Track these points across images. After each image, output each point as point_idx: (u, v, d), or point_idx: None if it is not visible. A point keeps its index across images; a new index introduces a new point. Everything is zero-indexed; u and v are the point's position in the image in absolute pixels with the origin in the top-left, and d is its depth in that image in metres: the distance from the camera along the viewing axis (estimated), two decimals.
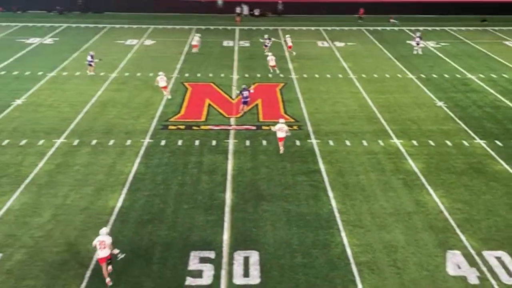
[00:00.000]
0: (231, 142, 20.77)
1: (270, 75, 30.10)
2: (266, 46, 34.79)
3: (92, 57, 29.02)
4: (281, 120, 19.88)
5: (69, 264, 13.05)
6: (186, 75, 29.93)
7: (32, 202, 15.90)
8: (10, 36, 38.57)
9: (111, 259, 12.31)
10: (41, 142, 20.21)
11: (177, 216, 15.43)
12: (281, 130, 19.39)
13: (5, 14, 47.14)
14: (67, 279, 12.50)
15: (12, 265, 12.91)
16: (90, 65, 29.08)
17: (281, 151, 19.68)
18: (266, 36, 36.23)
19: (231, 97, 26.25)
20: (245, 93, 23.56)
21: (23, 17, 45.88)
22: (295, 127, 22.40)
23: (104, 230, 12.57)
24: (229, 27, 43.91)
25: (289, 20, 47.60)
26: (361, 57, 35.00)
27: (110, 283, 12.22)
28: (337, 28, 44.60)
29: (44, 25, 42.74)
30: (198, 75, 30.03)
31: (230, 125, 22.58)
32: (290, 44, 34.69)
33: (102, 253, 12.14)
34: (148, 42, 38.14)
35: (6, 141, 20.15)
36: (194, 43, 35.14)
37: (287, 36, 35.86)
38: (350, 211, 15.90)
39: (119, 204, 15.95)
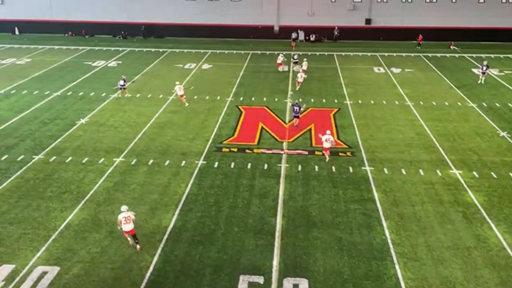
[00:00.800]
0: (283, 167, 20.75)
1: (291, 93, 30.14)
2: (295, 63, 36.97)
3: (124, 81, 30.34)
4: (328, 132, 21.24)
5: (122, 281, 13.40)
6: (241, 98, 30.42)
7: (90, 218, 16.54)
8: (77, 59, 40.97)
9: (136, 236, 14.71)
10: (101, 160, 21.10)
11: (228, 238, 15.50)
12: (327, 140, 20.91)
13: (75, 38, 50.29)
14: None
15: (69, 279, 13.42)
16: (123, 88, 30.35)
17: (327, 159, 21.07)
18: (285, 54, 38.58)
19: (284, 122, 26.34)
20: (296, 108, 25.04)
21: (90, 41, 48.71)
22: (348, 154, 22.09)
23: (125, 207, 14.85)
24: (284, 52, 44.35)
25: (345, 46, 47.51)
26: (419, 83, 34.19)
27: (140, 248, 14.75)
28: (394, 54, 43.95)
29: (109, 49, 45.13)
30: (253, 99, 30.45)
31: (283, 149, 22.61)
32: (304, 68, 35.41)
33: (128, 227, 14.53)
34: (206, 66, 39.25)
35: (69, 158, 21.21)
36: (278, 61, 36.80)
37: (304, 60, 37.22)
38: (405, 242, 15.33)
39: (172, 223, 16.27)
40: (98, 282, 13.31)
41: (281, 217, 16.79)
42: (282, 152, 22.34)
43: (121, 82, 30.31)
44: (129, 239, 14.85)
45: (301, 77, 32.47)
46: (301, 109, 25.49)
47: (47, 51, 43.97)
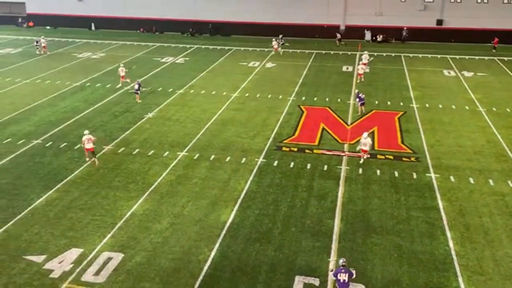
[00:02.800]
0: (343, 169, 20.47)
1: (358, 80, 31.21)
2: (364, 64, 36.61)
3: (139, 85, 29.09)
4: (365, 134, 21.06)
5: (181, 272, 13.84)
6: (303, 98, 30.31)
7: (153, 209, 17.20)
8: (147, 55, 42.61)
9: (94, 152, 20.31)
10: (166, 153, 21.84)
11: (284, 238, 15.54)
12: (365, 144, 20.70)
13: (146, 35, 52.30)
14: (178, 286, 13.25)
15: (131, 266, 14.05)
16: (137, 93, 28.88)
17: (361, 161, 20.86)
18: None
19: (346, 123, 25.95)
20: (361, 95, 27.31)
21: (160, 38, 50.47)
22: (412, 159, 21.40)
23: (87, 131, 20.59)
24: (349, 53, 43.69)
25: (414, 47, 45.94)
26: (493, 89, 32.40)
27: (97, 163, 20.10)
28: (466, 57, 41.90)
29: (177, 46, 46.54)
30: (315, 99, 30.24)
31: (344, 151, 22.30)
32: (365, 61, 36.43)
33: (89, 145, 20.23)
34: (269, 64, 39.45)
35: (136, 150, 22.15)
36: (359, 72, 34.17)
37: (365, 52, 37.82)
38: (470, 255, 14.64)
39: (230, 219, 16.56)
40: (158, 271, 13.84)
41: (339, 220, 16.59)
42: (342, 154, 22.03)
43: (136, 86, 28.96)
44: (88, 155, 20.47)
45: (361, 69, 33.92)
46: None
47: (120, 47, 46.09)
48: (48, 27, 55.54)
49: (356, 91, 28.97)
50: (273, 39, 44.56)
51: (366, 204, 17.66)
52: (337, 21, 49.64)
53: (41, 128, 24.68)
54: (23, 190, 18.41)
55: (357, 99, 27.46)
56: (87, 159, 20.74)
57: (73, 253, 14.57)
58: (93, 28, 54.85)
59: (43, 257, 14.35)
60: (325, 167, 20.61)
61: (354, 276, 12.50)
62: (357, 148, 21.37)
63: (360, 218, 16.68)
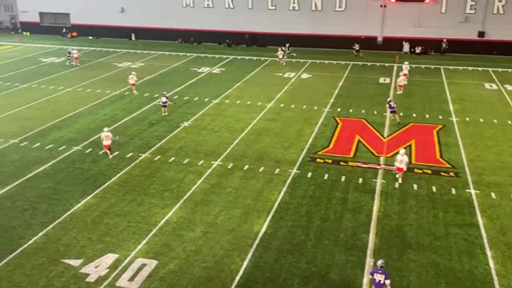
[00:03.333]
0: (379, 182, 20.11)
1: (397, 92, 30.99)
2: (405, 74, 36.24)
3: (166, 98, 28.78)
4: (402, 151, 20.04)
5: (213, 281, 13.88)
6: (338, 109, 30.07)
7: (187, 217, 17.37)
8: (185, 65, 43.39)
9: (110, 148, 22.25)
10: (200, 162, 22.08)
11: (317, 250, 15.37)
12: (401, 162, 19.71)
13: (183, 45, 53.29)
14: None
15: (165, 274, 14.20)
16: (165, 106, 28.62)
17: (400, 181, 19.85)
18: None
19: (382, 135, 25.55)
20: (392, 103, 27.25)
21: (197, 48, 51.31)
22: (451, 174, 20.81)
23: (106, 128, 22.74)
24: (386, 64, 43.14)
25: (454, 59, 44.91)
26: None
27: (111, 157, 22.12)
28: (510, 70, 40.59)
29: (214, 56, 47.20)
30: (351, 110, 29.94)
31: (379, 164, 21.93)
32: (405, 71, 36.00)
33: (107, 142, 22.12)
34: (305, 75, 39.40)
35: (172, 158, 22.48)
36: (400, 83, 33.65)
37: (405, 62, 37.24)
38: (511, 275, 14.04)
39: (263, 230, 16.52)
40: (191, 280, 13.93)
41: (374, 234, 16.27)
42: (378, 167, 21.67)
43: (163, 100, 28.55)
44: (107, 151, 22.36)
45: (402, 80, 33.67)
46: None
47: (158, 57, 47.14)
48: (90, 37, 57.46)
49: (388, 99, 28.91)
50: (279, 49, 44.83)
51: (402, 219, 17.26)
52: (375, 32, 49.20)
53: (81, 135, 25.45)
54: (63, 195, 18.98)
55: (388, 106, 27.86)
56: (107, 152, 22.61)
57: (109, 258, 14.86)
58: (133, 38, 56.37)
59: (80, 261, 14.71)
60: (360, 180, 20.31)
61: (389, 281, 12.53)
62: (394, 167, 20.44)
63: (395, 233, 16.31)
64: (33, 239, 15.88)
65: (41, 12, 59.99)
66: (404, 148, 20.09)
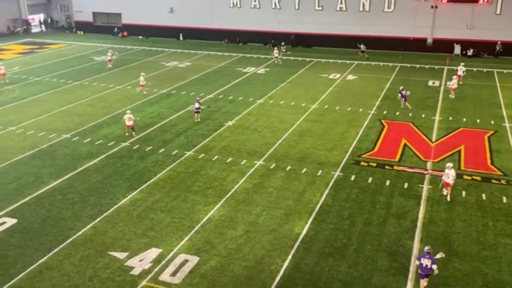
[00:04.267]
0: (425, 188, 19.56)
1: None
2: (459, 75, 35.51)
3: (200, 104, 28.04)
4: (449, 165, 18.73)
5: (253, 280, 13.95)
6: (384, 112, 29.48)
7: (229, 216, 17.54)
8: (231, 65, 43.83)
9: (133, 128, 25.00)
10: (243, 161, 22.23)
11: (359, 255, 15.14)
12: (448, 176, 18.39)
13: (230, 46, 53.83)
14: None
15: (206, 270, 14.41)
16: (198, 112, 27.81)
17: (448, 199, 18.40)
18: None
19: (430, 140, 24.84)
20: (404, 92, 29.63)
21: (243, 49, 51.69)
22: (503, 181, 19.97)
23: (129, 111, 25.37)
24: (436, 67, 41.90)
25: (508, 63, 42.98)
26: None
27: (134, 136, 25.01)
28: None
29: (259, 56, 47.40)
30: (397, 113, 29.28)
31: (426, 169, 21.32)
32: (460, 73, 35.22)
33: (129, 123, 24.86)
34: (350, 77, 38.87)
35: (215, 157, 22.77)
36: (453, 86, 32.67)
37: (461, 64, 36.48)
38: None
39: (304, 231, 16.44)
40: (231, 278, 14.06)
41: (418, 241, 15.85)
42: (425, 172, 21.08)
43: (196, 105, 27.76)
44: (128, 131, 25.06)
45: (455, 84, 32.73)
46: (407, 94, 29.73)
47: (204, 56, 47.86)
48: (140, 37, 59.06)
49: (401, 87, 30.64)
50: (275, 48, 46.70)
51: (449, 226, 16.72)
52: (424, 33, 47.86)
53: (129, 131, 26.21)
54: (111, 189, 19.63)
55: (400, 95, 29.88)
56: (127, 133, 25.27)
57: (153, 252, 15.24)
58: (181, 38, 57.47)
59: (125, 254, 15.17)
60: (406, 185, 19.83)
61: (436, 266, 13.01)
62: (441, 182, 18.97)
63: (441, 241, 15.82)
64: (82, 231, 16.51)
65: (94, 12, 62.28)
66: (449, 168, 18.41)
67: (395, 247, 15.56)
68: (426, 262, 13.01)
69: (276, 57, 44.84)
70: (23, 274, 14.21)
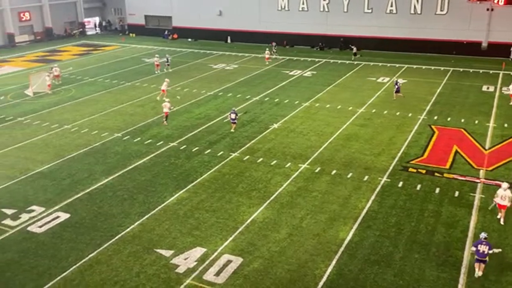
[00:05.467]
0: (477, 197, 18.81)
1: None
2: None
3: (236, 114, 26.58)
4: (505, 185, 16.91)
5: (296, 284, 13.89)
6: (435, 117, 28.60)
7: (273, 218, 17.56)
8: (277, 68, 43.88)
9: (167, 116, 27.81)
10: (288, 164, 22.19)
11: (406, 263, 14.75)
12: (505, 198, 16.69)
13: (276, 48, 53.76)
14: None
15: (249, 271, 14.49)
16: (234, 123, 26.64)
17: (502, 222, 16.92)
18: None
19: (483, 147, 23.87)
20: (399, 84, 32.13)
21: (290, 51, 51.63)
22: None
23: (168, 99, 28.76)
24: (491, 71, 40.21)
25: None
26: None
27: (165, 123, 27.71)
28: None
29: (306, 59, 47.20)
30: (449, 119, 28.33)
31: (479, 178, 20.50)
32: None
33: (165, 110, 27.93)
34: (400, 81, 37.86)
35: (260, 159, 22.86)
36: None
37: None
38: None
39: (349, 237, 16.21)
40: (274, 280, 14.07)
41: (469, 251, 15.24)
42: (477, 180, 20.27)
43: (232, 116, 26.51)
44: (164, 117, 27.71)
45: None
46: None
47: (251, 59, 48.19)
48: (189, 39, 60.25)
49: (396, 79, 34.43)
50: (266, 49, 46.91)
51: (503, 238, 16.00)
52: (479, 37, 46.05)
53: (177, 132, 26.80)
54: (158, 187, 20.13)
55: (396, 87, 32.52)
56: (165, 122, 27.81)
57: (197, 251, 15.49)
58: (229, 41, 58.16)
59: (171, 252, 15.50)
60: (456, 193, 19.15)
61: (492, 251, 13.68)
62: (493, 202, 17.32)
63: (494, 253, 15.13)
64: (130, 228, 17.03)
65: (146, 15, 64.14)
66: (505, 188, 16.77)
67: (444, 257, 15.05)
68: (483, 248, 13.72)
69: (267, 58, 45.48)
70: (74, 267, 14.82)
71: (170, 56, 44.95)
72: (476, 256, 13.88)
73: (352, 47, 47.11)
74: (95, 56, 50.88)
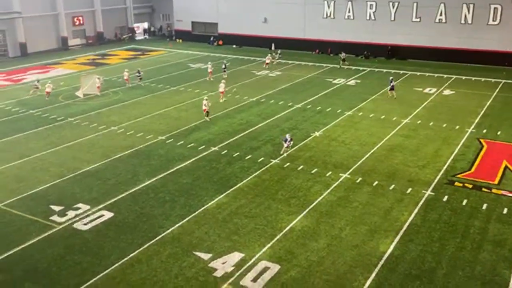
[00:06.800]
0: None
1: None
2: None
3: (290, 140, 24.01)
4: None
5: None
6: (484, 131, 27.59)
7: (312, 227, 17.41)
8: (320, 75, 43.65)
9: (208, 112, 29.59)
10: (328, 173, 21.98)
11: (449, 281, 14.26)
12: None
13: (321, 56, 53.65)
14: None
15: (286, 279, 14.41)
16: (288, 146, 24.12)
17: None
18: None
19: None
20: (393, 83, 34.58)
21: (334, 60, 51.10)
22: None
23: (206, 97, 31.01)
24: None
25: None
26: None
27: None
28: None
29: (350, 68, 46.69)
30: (498, 133, 27.26)
31: None
32: None
33: (204, 107, 29.66)
34: (447, 92, 36.93)
35: (301, 167, 22.76)
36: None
37: None
38: None
39: (389, 250, 15.85)
40: None
41: None
42: None
43: (287, 138, 23.96)
44: (205, 114, 29.78)
45: None
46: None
47: (295, 66, 48.16)
48: (234, 46, 60.95)
49: (391, 77, 36.07)
50: (269, 54, 48.46)
51: None
52: None
53: (219, 137, 27.11)
54: (199, 191, 20.40)
55: (390, 85, 34.28)
56: (207, 118, 29.78)
57: (235, 256, 15.56)
58: (273, 48, 58.35)
59: (209, 255, 15.65)
60: (505, 210, 18.37)
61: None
62: None
63: None
64: (170, 229, 17.33)
65: (193, 21, 65.44)
66: None
67: (489, 276, 14.45)
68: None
69: (267, 64, 46.50)
70: (116, 265, 15.22)
71: (227, 62, 46.03)
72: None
73: (341, 53, 48.21)
74: (142, 61, 52.33)
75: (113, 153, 24.72)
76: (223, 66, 43.91)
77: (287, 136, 24.20)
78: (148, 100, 35.50)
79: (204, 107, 29.85)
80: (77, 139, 26.96)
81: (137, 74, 40.82)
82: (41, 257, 15.75)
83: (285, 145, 24.14)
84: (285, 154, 24.19)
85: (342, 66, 46.79)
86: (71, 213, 18.56)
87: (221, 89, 34.75)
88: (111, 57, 54.79)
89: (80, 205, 19.24)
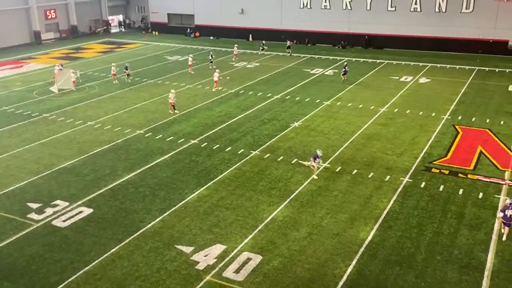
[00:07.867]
0: (502, 199, 18.43)
1: None
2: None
3: (318, 157, 20.65)
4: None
5: (316, 283, 13.85)
6: (459, 117, 28.11)
7: (293, 217, 17.53)
8: (298, 66, 43.75)
9: (174, 106, 29.68)
10: (307, 163, 22.11)
11: (428, 265, 14.56)
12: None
13: (298, 46, 53.53)
14: None
15: (268, 270, 14.50)
16: (313, 166, 20.70)
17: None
18: None
19: (509, 148, 23.36)
20: (347, 68, 36.98)
21: (311, 50, 51.40)
22: None
23: (173, 90, 30.41)
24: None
25: None
26: None
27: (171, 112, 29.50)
28: None
29: (327, 58, 46.91)
30: (473, 119, 27.82)
31: (504, 180, 20.08)
32: None
33: (171, 101, 29.66)
34: (423, 80, 37.45)
35: (281, 157, 22.84)
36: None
37: None
38: None
39: (369, 237, 16.08)
40: (293, 279, 14.05)
41: (493, 254, 14.97)
42: (503, 182, 19.86)
43: (318, 155, 20.66)
44: (170, 108, 29.75)
45: None
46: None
47: (273, 57, 48.13)
48: (211, 37, 60.52)
49: (345, 63, 38.60)
50: (235, 45, 48.85)
51: None
52: (506, 35, 45.09)
53: (198, 129, 26.97)
54: (179, 184, 20.30)
55: (343, 70, 36.51)
56: (170, 111, 29.69)
57: (217, 248, 15.57)
58: (250, 39, 58.21)
59: (191, 248, 15.62)
60: (480, 195, 18.81)
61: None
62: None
63: None
64: (151, 223, 17.22)
65: (169, 13, 64.66)
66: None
67: (466, 259, 14.81)
68: (510, 212, 15.10)
69: (235, 55, 46.87)
70: (96, 261, 15.07)
71: (213, 54, 45.60)
72: (503, 220, 15.44)
73: (288, 41, 49.65)
74: (118, 54, 51.54)
75: (90, 149, 24.37)
76: (210, 58, 43.72)
77: (318, 152, 20.67)
78: (125, 94, 35.04)
79: (170, 100, 29.77)
80: (53, 135, 26.47)
81: (124, 69, 39.21)
82: (19, 255, 15.49)
83: (314, 163, 20.63)
84: (315, 176, 20.60)
85: (289, 53, 48.52)
86: (49, 210, 18.27)
87: (215, 78, 35.07)
88: (86, 51, 53.80)
89: (58, 201, 18.94)
